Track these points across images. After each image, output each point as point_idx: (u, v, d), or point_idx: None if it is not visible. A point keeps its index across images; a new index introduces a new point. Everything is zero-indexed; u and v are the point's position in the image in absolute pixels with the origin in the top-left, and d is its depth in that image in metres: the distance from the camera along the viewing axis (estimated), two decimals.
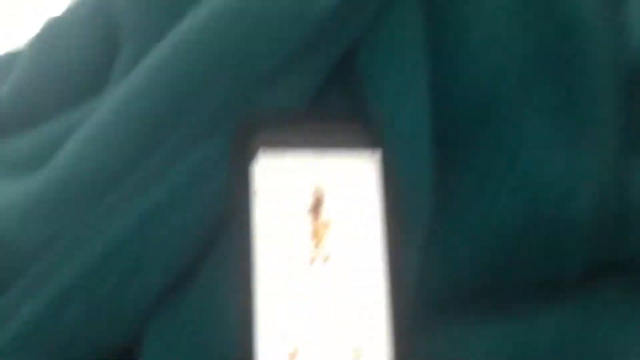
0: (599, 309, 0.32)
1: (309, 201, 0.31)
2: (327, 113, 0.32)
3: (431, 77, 0.32)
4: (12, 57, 0.42)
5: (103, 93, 0.33)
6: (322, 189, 0.31)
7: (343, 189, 0.32)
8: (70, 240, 0.29)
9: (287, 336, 0.29)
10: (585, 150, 0.32)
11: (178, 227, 0.28)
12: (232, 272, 0.29)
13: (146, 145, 0.29)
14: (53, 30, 0.39)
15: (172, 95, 0.29)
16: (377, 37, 0.32)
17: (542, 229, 0.32)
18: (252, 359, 0.27)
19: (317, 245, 0.30)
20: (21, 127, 0.37)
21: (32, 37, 0.39)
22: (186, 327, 0.29)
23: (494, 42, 0.33)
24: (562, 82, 0.32)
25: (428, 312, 0.31)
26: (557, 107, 0.32)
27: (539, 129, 0.32)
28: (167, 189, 0.28)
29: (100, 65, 0.35)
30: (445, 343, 0.31)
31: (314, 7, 0.29)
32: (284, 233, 0.31)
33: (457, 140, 0.33)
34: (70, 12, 0.38)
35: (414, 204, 0.31)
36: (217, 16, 0.29)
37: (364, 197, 0.31)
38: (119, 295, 0.28)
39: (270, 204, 0.31)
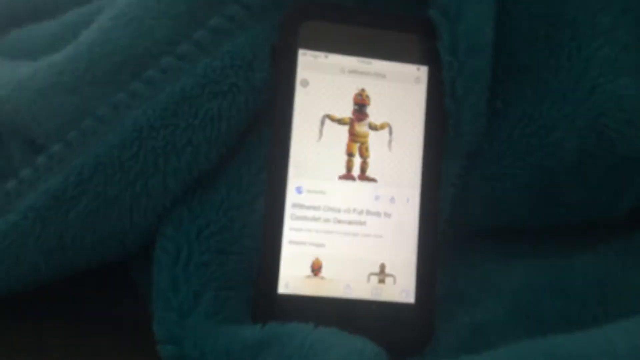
0: (637, 258, 0.33)
1: (350, 106, 0.31)
2: (378, 17, 0.32)
3: None
4: None
5: None
6: (367, 95, 0.31)
7: (387, 98, 0.32)
8: (95, 119, 0.30)
9: (311, 247, 0.30)
10: None
11: (209, 116, 0.29)
12: (262, 173, 0.30)
13: (185, 24, 0.30)
14: None
15: None
16: None
17: (603, 152, 0.32)
18: (276, 266, 0.29)
19: (353, 154, 0.31)
20: (39, 17, 0.38)
21: None
22: (208, 226, 0.30)
23: None
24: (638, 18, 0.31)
25: (460, 242, 0.33)
26: (630, 41, 0.31)
27: (609, 53, 0.31)
28: (201, 73, 0.29)
29: None
30: (468, 276, 0.33)
31: None
32: (322, 136, 0.31)
33: (517, 55, 0.32)
34: None
35: (462, 120, 0.30)
36: None
37: (408, 110, 0.32)
38: (140, 183, 0.30)
39: (311, 102, 0.31)
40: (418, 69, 0.32)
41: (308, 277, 0.31)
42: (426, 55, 0.31)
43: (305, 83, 0.31)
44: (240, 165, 0.32)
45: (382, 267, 0.31)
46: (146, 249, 0.33)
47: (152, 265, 0.31)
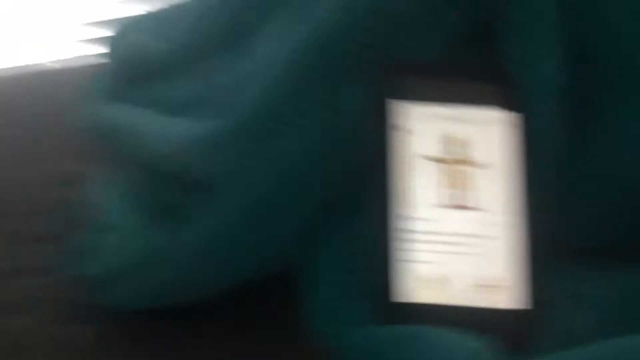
0: None
1: (447, 148, 0.38)
2: (461, 70, 0.39)
3: (568, 40, 0.36)
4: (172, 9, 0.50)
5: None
6: (458, 138, 0.38)
7: (478, 140, 0.38)
8: (244, 173, 0.39)
9: (428, 267, 0.37)
10: None
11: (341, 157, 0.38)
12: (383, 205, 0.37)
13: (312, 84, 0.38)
14: None
15: (343, 44, 0.37)
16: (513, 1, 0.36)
17: None
18: (396, 284, 0.36)
19: (456, 188, 0.37)
20: (184, 73, 0.46)
21: None
22: (342, 246, 0.39)
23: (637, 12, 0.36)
24: None
25: (559, 257, 0.36)
26: None
27: None
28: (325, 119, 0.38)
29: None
30: (564, 289, 0.36)
31: None
32: (428, 177, 0.38)
33: (592, 101, 0.37)
34: None
35: (542, 158, 0.36)
36: None
37: (497, 149, 0.38)
38: (283, 218, 0.40)
39: (409, 147, 0.38)
40: (501, 112, 0.38)
41: (424, 288, 0.38)
42: (507, 99, 0.38)
43: (409, 131, 0.39)
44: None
45: (491, 280, 0.37)
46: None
47: (299, 283, 0.41)
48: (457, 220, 0.38)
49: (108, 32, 0.57)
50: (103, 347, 0.45)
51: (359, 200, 0.40)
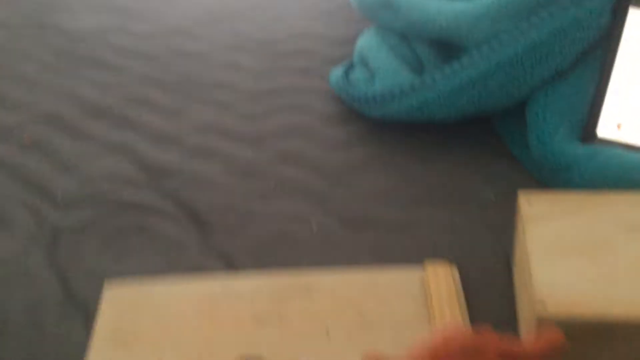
0: None
1: None
2: None
3: None
4: None
5: None
6: None
7: None
8: (504, 37, 0.63)
9: (619, 115, 0.61)
10: None
11: (574, 39, 0.61)
12: (597, 71, 0.61)
13: None
14: None
15: None
16: None
17: None
18: (595, 123, 0.61)
19: None
20: None
21: None
22: (563, 93, 0.63)
23: None
24: None
25: None
26: None
27: None
28: (572, 16, 0.61)
29: None
30: None
31: None
32: (636, 56, 0.59)
33: None
34: None
35: None
36: None
37: None
38: (530, 71, 0.63)
39: (632, 38, 0.59)
40: None
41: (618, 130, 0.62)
42: None
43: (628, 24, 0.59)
44: (585, 67, 0.64)
45: None
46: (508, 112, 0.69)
47: (529, 113, 0.65)
48: None
49: None
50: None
51: (582, 65, 0.63)
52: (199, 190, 0.67)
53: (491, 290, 0.55)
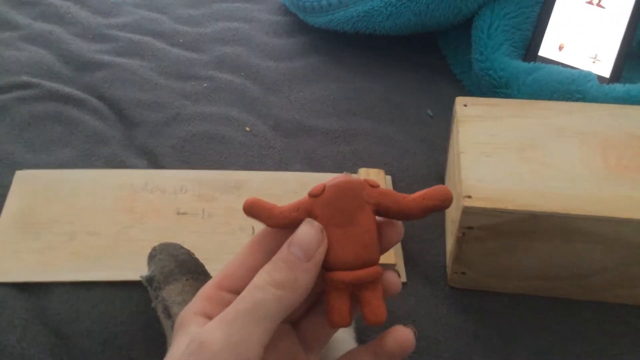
0: None
1: None
2: None
3: None
4: None
5: None
6: None
7: None
8: None
9: (560, 37, 0.61)
10: None
11: None
12: None
13: None
14: None
15: None
16: None
17: None
18: (538, 43, 0.62)
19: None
20: None
21: None
22: (509, 10, 0.61)
23: None
24: None
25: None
26: None
27: None
28: None
29: None
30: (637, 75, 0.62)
31: None
32: None
33: None
34: None
35: None
36: None
37: None
38: None
39: None
40: None
41: (554, 50, 0.63)
42: None
43: None
44: None
45: (595, 54, 0.61)
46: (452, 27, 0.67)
47: (474, 30, 0.63)
48: (589, 13, 0.61)
49: None
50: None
51: None
52: (126, 87, 0.63)
53: None
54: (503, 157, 0.45)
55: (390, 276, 0.29)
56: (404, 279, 0.47)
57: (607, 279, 0.44)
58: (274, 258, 0.27)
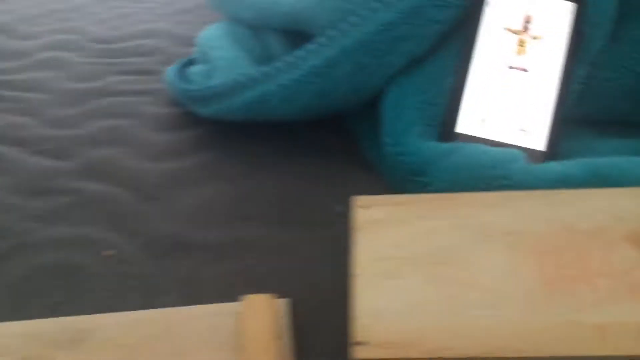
0: None
1: (520, 23, 0.50)
2: None
3: None
4: None
5: None
6: (531, 17, 0.50)
7: (544, 20, 0.50)
8: (358, 17, 0.50)
9: (481, 109, 0.50)
10: None
11: (430, 19, 0.49)
12: (456, 59, 0.50)
13: None
14: None
15: None
16: None
17: None
18: (455, 118, 0.50)
19: (518, 54, 0.50)
20: None
21: None
22: (419, 84, 0.51)
23: None
24: None
25: (576, 121, 0.51)
26: None
27: None
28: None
29: None
30: (578, 145, 0.49)
31: None
32: (498, 42, 0.50)
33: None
34: None
35: (592, 39, 0.50)
36: None
37: (558, 29, 0.50)
38: (382, 58, 0.50)
39: (493, 21, 0.51)
40: (568, 5, 0.50)
41: (476, 124, 0.51)
42: None
43: (488, 4, 0.51)
44: (442, 55, 0.52)
45: (525, 126, 0.50)
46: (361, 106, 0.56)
47: (382, 109, 0.53)
48: (512, 78, 0.51)
49: None
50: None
51: (439, 52, 0.51)
52: None
53: (330, 325, 0.42)
54: (409, 278, 0.34)
55: None
56: None
57: None
58: None
